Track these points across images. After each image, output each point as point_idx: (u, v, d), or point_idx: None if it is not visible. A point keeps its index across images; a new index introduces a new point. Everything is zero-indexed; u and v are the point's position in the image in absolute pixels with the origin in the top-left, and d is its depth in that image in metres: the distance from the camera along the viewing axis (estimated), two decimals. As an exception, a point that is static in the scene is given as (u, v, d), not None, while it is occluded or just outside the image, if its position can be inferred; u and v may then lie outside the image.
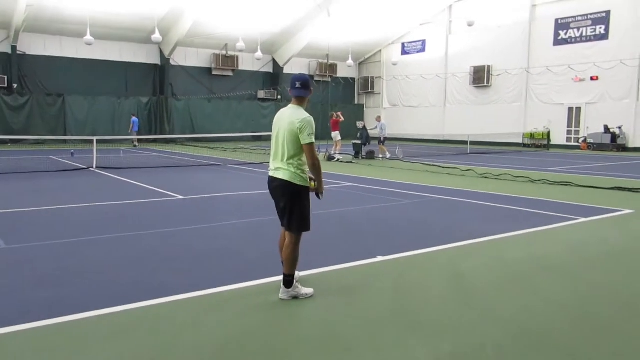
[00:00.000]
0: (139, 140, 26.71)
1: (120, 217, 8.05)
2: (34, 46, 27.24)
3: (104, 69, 29.33)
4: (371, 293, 4.63)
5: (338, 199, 9.77)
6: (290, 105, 4.53)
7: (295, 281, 4.44)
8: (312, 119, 4.38)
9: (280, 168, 4.40)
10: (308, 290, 4.47)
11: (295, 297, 4.40)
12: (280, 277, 4.74)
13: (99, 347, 3.50)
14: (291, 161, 4.36)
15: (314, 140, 4.32)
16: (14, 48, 26.28)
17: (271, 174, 4.50)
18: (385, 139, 20.54)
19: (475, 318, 4.07)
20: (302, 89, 4.45)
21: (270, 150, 4.60)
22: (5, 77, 26.29)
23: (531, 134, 29.10)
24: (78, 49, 28.04)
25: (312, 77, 36.08)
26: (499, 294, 4.68)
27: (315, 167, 4.39)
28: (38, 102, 26.63)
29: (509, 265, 5.57)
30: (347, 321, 3.99)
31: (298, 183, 4.38)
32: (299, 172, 4.38)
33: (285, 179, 4.36)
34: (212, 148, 25.36)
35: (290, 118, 4.35)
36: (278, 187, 4.43)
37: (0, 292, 4.53)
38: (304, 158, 4.39)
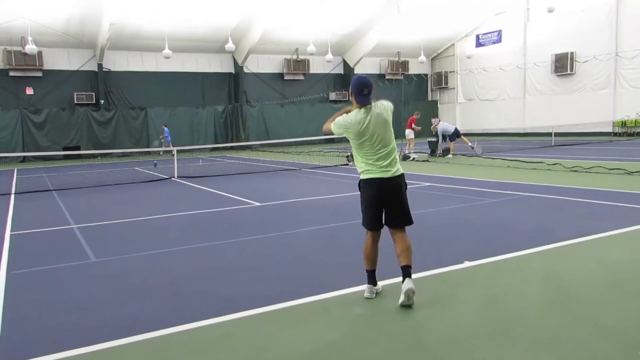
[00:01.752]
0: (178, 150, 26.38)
1: (201, 226, 8.18)
2: (118, 63, 28.75)
3: (182, 80, 30.46)
4: (461, 303, 4.32)
5: (417, 200, 9.43)
6: (362, 110, 4.36)
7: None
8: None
9: (394, 165, 4.40)
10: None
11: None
12: (362, 287, 4.56)
13: (184, 362, 3.46)
14: (395, 153, 4.48)
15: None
16: (99, 66, 27.88)
17: (380, 175, 4.35)
18: (455, 133, 19.49)
19: (580, 330, 3.68)
20: (369, 95, 4.37)
21: (368, 155, 4.41)
22: (93, 94, 27.93)
23: (623, 121, 27.11)
24: (158, 63, 29.30)
25: (383, 75, 35.64)
26: (605, 301, 4.22)
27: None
28: (123, 116, 28.06)
29: (613, 269, 5.06)
30: (437, 335, 3.73)
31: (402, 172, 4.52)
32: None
33: (401, 172, 4.45)
34: (287, 152, 25.62)
35: (379, 117, 4.37)
36: (399, 185, 4.42)
37: (89, 306, 4.65)
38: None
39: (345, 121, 4.41)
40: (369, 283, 4.51)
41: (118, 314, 4.37)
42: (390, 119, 4.44)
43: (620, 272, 4.96)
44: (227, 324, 4.06)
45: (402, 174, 4.45)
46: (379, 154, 4.36)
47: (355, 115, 4.37)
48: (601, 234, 6.38)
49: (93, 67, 28.04)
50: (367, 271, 4.52)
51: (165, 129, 26.71)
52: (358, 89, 4.32)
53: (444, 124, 19.86)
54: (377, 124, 4.34)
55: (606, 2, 27.54)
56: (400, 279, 4.30)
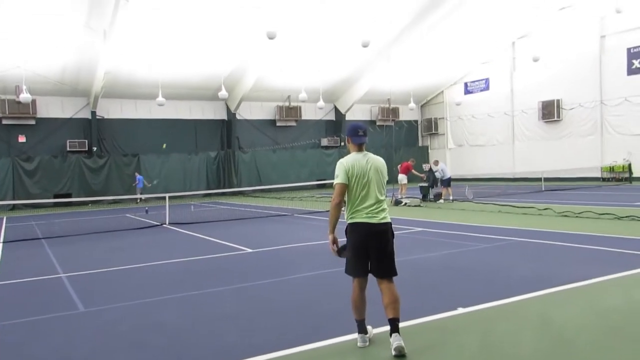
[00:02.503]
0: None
1: (192, 274, 8.09)
2: (112, 110, 29.01)
3: (175, 127, 30.69)
4: (455, 351, 4.27)
5: (409, 246, 9.42)
6: (359, 153, 4.55)
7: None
8: None
9: (380, 212, 4.44)
10: None
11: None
12: (355, 335, 4.50)
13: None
14: (385, 204, 4.53)
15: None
16: (93, 113, 28.10)
17: (366, 220, 4.39)
18: (450, 180, 19.83)
19: (578, 379, 3.63)
20: (364, 136, 4.60)
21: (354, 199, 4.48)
22: (86, 141, 28.03)
23: (610, 167, 27.48)
24: (151, 110, 29.59)
25: (374, 122, 36.17)
26: (601, 348, 4.19)
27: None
28: (115, 163, 28.08)
29: (608, 315, 5.03)
30: (433, 384, 3.66)
31: (390, 221, 4.54)
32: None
33: (388, 221, 4.47)
34: (279, 198, 25.63)
35: (379, 162, 4.56)
36: (385, 232, 4.42)
37: (77, 359, 4.54)
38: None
39: (342, 164, 4.49)
40: (359, 332, 4.46)
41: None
42: (384, 171, 4.57)
43: (613, 318, 4.94)
44: (218, 375, 3.98)
45: (389, 223, 4.47)
46: (367, 199, 4.40)
47: (352, 155, 4.55)
48: (594, 279, 6.38)
49: (86, 114, 28.26)
50: (356, 321, 4.48)
51: (138, 176, 26.73)
52: (353, 131, 4.59)
53: (444, 166, 20.20)
54: (372, 168, 4.46)
55: (589, 51, 28.42)
56: (401, 324, 4.26)
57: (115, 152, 28.82)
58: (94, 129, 28.22)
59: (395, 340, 4.13)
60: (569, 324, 4.81)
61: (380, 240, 4.39)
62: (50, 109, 27.40)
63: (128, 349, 4.69)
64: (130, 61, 24.71)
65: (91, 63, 23.99)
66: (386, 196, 4.61)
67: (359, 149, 4.56)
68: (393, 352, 4.11)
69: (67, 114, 27.94)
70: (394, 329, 4.20)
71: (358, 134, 4.55)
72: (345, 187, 4.43)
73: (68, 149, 27.42)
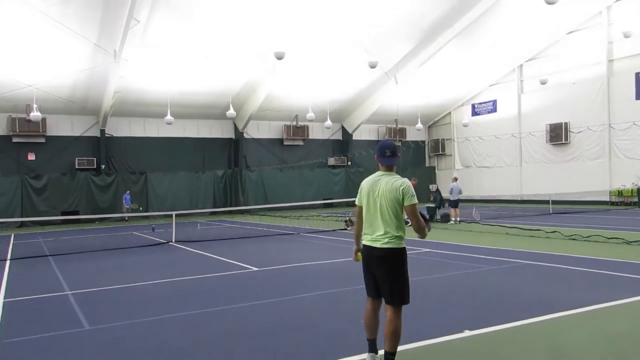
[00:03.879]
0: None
1: (198, 292, 8.08)
2: (120, 128, 29.27)
3: (183, 146, 30.89)
4: (462, 374, 4.22)
5: (417, 266, 9.36)
6: (380, 173, 4.46)
7: None
8: (409, 181, 4.39)
9: (381, 236, 4.29)
10: None
11: None
12: (362, 355, 4.48)
13: None
14: (396, 229, 4.29)
15: (417, 201, 4.30)
16: (102, 132, 28.36)
17: (369, 243, 4.36)
18: (459, 201, 19.72)
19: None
20: (392, 156, 4.42)
21: (361, 218, 4.49)
22: (95, 159, 28.24)
23: (619, 191, 27.31)
24: (159, 129, 29.84)
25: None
26: (610, 375, 4.13)
27: (421, 229, 4.31)
28: (123, 180, 28.24)
29: (617, 340, 4.97)
30: (439, 408, 3.62)
31: (400, 247, 4.30)
32: (401, 237, 4.31)
33: (390, 247, 4.25)
34: (285, 217, 25.62)
35: (392, 185, 4.31)
36: (380, 257, 4.28)
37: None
38: (402, 223, 4.33)
39: (362, 185, 4.52)
40: (370, 351, 4.41)
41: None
42: (400, 197, 4.26)
43: (621, 343, 4.88)
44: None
45: (393, 249, 4.26)
46: (373, 221, 4.35)
47: (373, 175, 4.49)
48: (601, 304, 6.31)
49: (96, 132, 28.52)
50: (367, 340, 4.44)
51: (125, 195, 26.70)
52: (381, 151, 4.44)
53: (456, 186, 19.98)
54: (385, 190, 4.31)
55: (598, 75, 28.46)
56: (400, 347, 4.22)
57: (123, 170, 29.00)
58: (102, 147, 28.46)
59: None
60: (576, 349, 4.75)
61: (380, 265, 4.28)
62: (60, 127, 27.68)
63: (132, 367, 4.67)
64: (139, 80, 25.01)
65: (101, 82, 24.29)
66: (405, 222, 4.37)
67: (387, 169, 4.43)
68: None
69: (76, 132, 28.21)
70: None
71: (385, 155, 4.39)
72: (361, 209, 4.47)
73: (77, 166, 27.63)
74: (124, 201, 26.63)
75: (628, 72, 27.26)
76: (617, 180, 27.65)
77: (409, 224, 4.36)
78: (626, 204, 26.59)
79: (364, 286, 4.54)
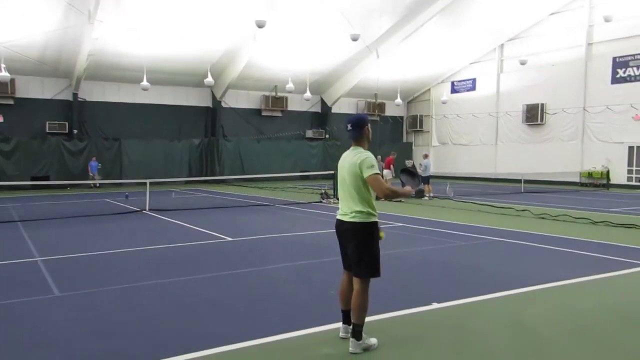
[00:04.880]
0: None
1: (171, 261, 8.06)
2: (94, 93, 28.58)
3: (159, 113, 30.37)
4: (428, 345, 4.34)
5: (389, 241, 9.47)
6: (351, 148, 4.49)
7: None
8: (370, 154, 4.34)
9: (349, 211, 4.32)
10: (374, 341, 4.25)
11: (366, 350, 4.16)
12: (334, 325, 4.56)
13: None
14: (360, 203, 4.29)
15: (377, 171, 4.24)
16: (75, 95, 27.65)
17: (339, 217, 4.43)
18: (429, 178, 19.82)
19: (545, 376, 3.72)
20: (353, 130, 4.42)
21: (337, 192, 4.54)
22: (67, 123, 27.59)
23: (589, 172, 27.92)
24: (135, 95, 29.24)
25: (359, 117, 36.15)
26: (568, 348, 4.29)
27: (388, 194, 4.28)
28: (96, 147, 27.71)
29: (578, 315, 5.15)
30: (404, 377, 3.72)
31: (368, 221, 4.29)
32: (368, 212, 4.29)
33: (355, 221, 4.28)
34: (261, 188, 25.59)
35: (351, 160, 4.34)
36: (348, 231, 4.33)
37: (52, 343, 4.51)
38: (369, 197, 4.30)
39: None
40: (343, 323, 4.49)
41: (84, 352, 4.25)
42: (359, 171, 4.25)
43: (583, 318, 5.06)
44: (192, 362, 3.99)
45: (360, 223, 4.27)
46: (341, 196, 4.46)
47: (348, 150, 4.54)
48: (565, 281, 6.51)
49: (68, 96, 27.81)
50: (342, 311, 4.51)
51: (92, 163, 26.21)
52: (345, 125, 4.50)
53: (428, 162, 20.16)
54: (345, 166, 4.40)
55: (576, 58, 28.76)
56: (369, 318, 4.30)
57: (96, 135, 28.44)
58: (75, 111, 27.78)
59: (350, 346, 4.15)
60: (539, 323, 4.91)
61: (348, 239, 4.35)
62: (30, 89, 26.88)
63: (103, 334, 4.67)
64: (114, 44, 24.34)
65: (74, 43, 23.56)
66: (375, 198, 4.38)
67: (354, 143, 4.46)
68: None
69: (47, 95, 27.46)
70: (352, 333, 4.20)
71: (347, 129, 4.46)
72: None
73: (47, 130, 26.98)
74: (89, 168, 26.12)
75: (606, 57, 27.60)
76: (588, 162, 28.26)
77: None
78: (595, 186, 27.22)
79: (340, 258, 4.61)
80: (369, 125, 4.48)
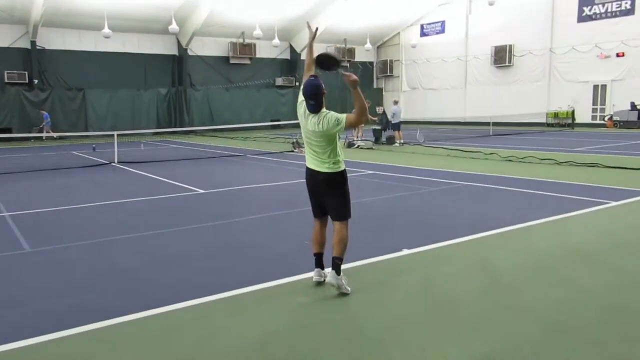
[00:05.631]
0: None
1: (142, 214, 8.05)
2: (53, 41, 27.41)
3: (123, 62, 29.41)
4: (399, 290, 4.51)
5: (359, 188, 9.63)
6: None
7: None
8: (326, 111, 4.42)
9: (322, 163, 4.46)
10: (350, 288, 4.42)
11: (338, 288, 4.37)
12: (309, 274, 4.68)
13: (126, 356, 3.45)
14: (333, 154, 4.45)
15: (340, 116, 4.33)
16: (33, 43, 26.49)
17: (312, 167, 4.53)
18: (401, 123, 19.81)
19: (508, 315, 3.93)
20: (316, 104, 4.38)
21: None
22: (26, 72, 26.54)
23: (555, 113, 28.46)
24: (97, 42, 28.16)
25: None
26: (531, 287, 4.52)
27: (363, 111, 4.34)
28: (59, 97, 26.87)
29: (541, 256, 5.39)
30: (376, 322, 3.88)
31: (342, 169, 4.50)
32: (340, 161, 4.49)
33: (331, 171, 4.45)
34: (232, 138, 25.36)
35: (315, 127, 4.39)
36: (324, 181, 4.48)
37: (26, 300, 4.52)
38: (338, 148, 4.47)
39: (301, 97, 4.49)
40: (316, 267, 4.66)
41: (58, 306, 4.28)
42: (327, 133, 4.36)
43: (546, 258, 5.30)
44: (170, 314, 4.07)
45: (334, 173, 4.44)
46: (310, 147, 4.53)
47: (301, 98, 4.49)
48: (531, 222, 6.76)
49: (25, 44, 26.61)
50: (314, 254, 4.68)
51: (44, 113, 25.39)
52: (305, 97, 4.43)
53: (397, 108, 19.95)
54: (309, 129, 4.44)
55: (543, -3, 28.71)
56: (348, 265, 4.44)
57: (58, 85, 27.50)
58: (34, 60, 26.69)
59: (329, 278, 4.39)
60: (506, 265, 5.13)
61: (321, 188, 4.53)
62: (-15, 36, 25.64)
63: (77, 289, 4.70)
64: (72, -12, 23.19)
65: (29, -12, 22.38)
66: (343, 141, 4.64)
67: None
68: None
69: (3, 43, 26.23)
70: (333, 265, 4.42)
71: (309, 103, 4.39)
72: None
73: (6, 80, 25.95)
74: (46, 121, 25.12)
75: (572, -6, 27.63)
76: (555, 102, 28.77)
77: (356, 145, 4.50)
78: (561, 126, 27.84)
79: (310, 208, 4.72)
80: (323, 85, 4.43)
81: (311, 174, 4.55)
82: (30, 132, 24.39)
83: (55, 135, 24.33)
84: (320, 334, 3.72)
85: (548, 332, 3.61)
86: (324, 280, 4.55)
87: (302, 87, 4.45)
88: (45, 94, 26.52)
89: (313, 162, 4.52)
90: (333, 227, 4.54)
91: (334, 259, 4.41)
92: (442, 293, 4.43)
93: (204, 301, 4.29)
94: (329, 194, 4.50)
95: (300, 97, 4.48)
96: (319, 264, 4.65)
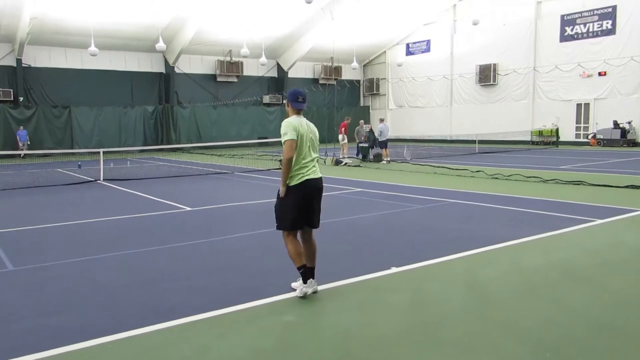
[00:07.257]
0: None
1: (128, 232, 7.96)
2: (39, 58, 27.32)
3: (110, 79, 29.37)
4: (387, 308, 4.49)
5: (347, 206, 9.64)
6: (297, 117, 4.86)
7: None
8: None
9: (318, 170, 4.87)
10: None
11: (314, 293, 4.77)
12: (293, 293, 4.66)
13: (109, 376, 3.39)
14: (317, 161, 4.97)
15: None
16: (19, 61, 26.38)
17: (314, 176, 4.80)
18: (387, 141, 19.84)
19: (496, 333, 3.93)
20: (304, 102, 4.93)
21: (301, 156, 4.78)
22: (11, 90, 26.37)
23: (539, 131, 28.83)
24: (83, 60, 28.11)
25: (316, 80, 36.00)
26: (519, 305, 4.52)
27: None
28: (45, 114, 26.69)
29: (528, 273, 5.41)
30: (364, 340, 3.85)
31: None
32: None
33: (321, 176, 4.92)
34: (219, 155, 25.30)
35: (313, 127, 4.96)
36: (320, 188, 4.87)
37: (6, 320, 4.43)
38: None
39: (290, 123, 4.74)
40: (309, 278, 4.77)
41: (39, 326, 4.20)
42: (317, 135, 4.98)
43: (532, 276, 5.32)
44: (156, 333, 4.01)
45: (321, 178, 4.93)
46: (307, 158, 4.77)
47: (294, 117, 4.83)
48: (518, 240, 6.80)
49: (11, 62, 26.49)
50: (306, 268, 4.77)
51: (20, 131, 25.21)
52: (294, 96, 4.88)
53: (384, 126, 19.95)
54: (310, 131, 4.88)
55: (526, 17, 29.28)
56: (330, 284, 4.44)
57: (44, 103, 27.34)
58: (19, 77, 26.56)
59: (316, 287, 4.76)
60: (492, 282, 5.14)
61: (320, 194, 4.89)
62: (-30, 54, 25.49)
63: (61, 308, 4.61)
64: (58, 6, 23.19)
65: (15, 6, 22.33)
66: (319, 157, 5.05)
67: (298, 113, 4.90)
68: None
69: (-11, 61, 26.09)
70: (313, 275, 4.75)
71: (298, 100, 4.87)
72: (296, 143, 4.66)
73: (-9, 98, 25.76)
74: (18, 137, 25.04)
75: (554, 15, 28.24)
76: (539, 121, 29.19)
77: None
78: (546, 143, 28.19)
79: (279, 225, 4.88)
80: None
81: (314, 183, 4.78)
82: (15, 150, 24.14)
83: (22, 153, 23.93)
84: (307, 353, 3.68)
85: (535, 350, 3.61)
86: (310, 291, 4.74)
87: (295, 94, 4.90)
88: (30, 112, 26.33)
89: (313, 170, 4.79)
90: (303, 237, 4.82)
91: (312, 270, 4.75)
92: (431, 311, 4.42)
93: (189, 321, 4.24)
94: (319, 198, 4.87)
95: (293, 127, 4.70)
96: (311, 275, 4.78)
